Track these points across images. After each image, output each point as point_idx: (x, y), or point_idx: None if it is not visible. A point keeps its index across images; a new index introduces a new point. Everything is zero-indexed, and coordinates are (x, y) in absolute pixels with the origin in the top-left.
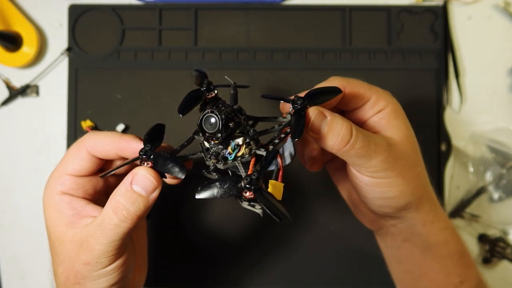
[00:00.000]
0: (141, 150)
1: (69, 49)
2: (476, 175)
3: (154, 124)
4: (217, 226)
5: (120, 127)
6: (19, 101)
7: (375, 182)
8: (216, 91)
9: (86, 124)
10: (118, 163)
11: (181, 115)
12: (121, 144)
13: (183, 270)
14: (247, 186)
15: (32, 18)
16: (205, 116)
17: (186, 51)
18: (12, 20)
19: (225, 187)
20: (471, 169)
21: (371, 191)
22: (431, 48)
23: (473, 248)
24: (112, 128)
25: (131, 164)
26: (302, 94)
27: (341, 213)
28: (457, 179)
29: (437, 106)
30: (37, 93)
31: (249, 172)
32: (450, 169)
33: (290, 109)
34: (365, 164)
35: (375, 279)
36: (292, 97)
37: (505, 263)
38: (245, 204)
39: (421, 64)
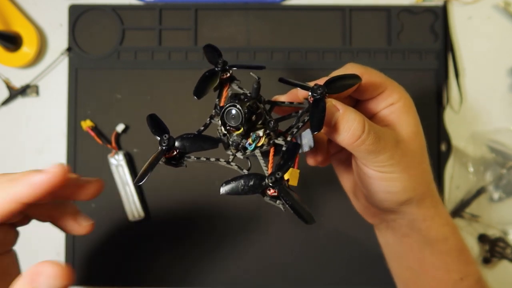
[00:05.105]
0: (161, 143)
1: (69, 49)
2: (476, 175)
3: (147, 117)
4: (215, 226)
5: (120, 127)
6: (19, 101)
7: (379, 176)
8: (231, 71)
9: (86, 124)
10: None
11: (196, 98)
12: (23, 190)
13: (180, 269)
14: (271, 184)
15: (32, 18)
16: (227, 109)
17: (186, 51)
18: (12, 20)
19: (249, 184)
20: (471, 169)
21: (375, 184)
22: (431, 48)
23: (473, 248)
24: (112, 128)
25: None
26: (321, 81)
27: (341, 213)
28: (457, 179)
29: (437, 106)
30: (37, 93)
31: (269, 165)
32: (450, 169)
33: (309, 97)
34: (372, 159)
35: (375, 279)
36: (312, 84)
37: (505, 263)
38: (267, 199)
39: (421, 64)
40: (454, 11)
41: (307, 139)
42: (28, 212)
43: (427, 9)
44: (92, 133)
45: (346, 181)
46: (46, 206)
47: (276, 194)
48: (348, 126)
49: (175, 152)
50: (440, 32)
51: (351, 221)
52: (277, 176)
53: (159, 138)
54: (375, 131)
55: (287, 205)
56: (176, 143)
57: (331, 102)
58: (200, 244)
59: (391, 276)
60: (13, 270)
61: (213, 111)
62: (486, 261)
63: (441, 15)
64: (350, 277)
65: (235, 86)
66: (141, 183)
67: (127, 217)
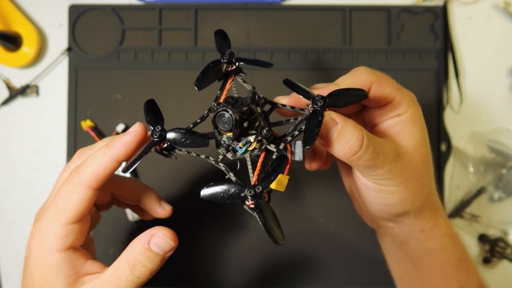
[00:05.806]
0: (153, 134)
1: (69, 49)
2: (476, 175)
3: (145, 102)
4: (215, 225)
5: (120, 127)
6: (19, 101)
7: (376, 187)
8: (237, 64)
9: (86, 124)
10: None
11: (196, 89)
12: (120, 150)
13: (180, 268)
14: (249, 197)
15: (32, 18)
16: (220, 113)
17: (186, 51)
18: (12, 20)
19: (229, 193)
20: (471, 169)
21: (371, 195)
22: (431, 48)
23: (473, 248)
24: (112, 128)
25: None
26: (327, 90)
27: (341, 213)
28: (457, 179)
29: (437, 106)
30: (37, 93)
31: (256, 173)
32: (450, 169)
33: (309, 106)
34: (370, 173)
35: (375, 279)
36: (316, 92)
37: (505, 263)
38: (245, 207)
39: (421, 64)
40: (454, 11)
41: (298, 150)
42: (121, 195)
43: (427, 9)
44: (92, 133)
45: (348, 182)
46: (137, 191)
47: (253, 206)
48: (346, 141)
49: (166, 144)
50: (440, 32)
51: (351, 221)
52: (257, 190)
53: (152, 128)
54: (374, 145)
55: (260, 222)
56: (168, 136)
57: (330, 116)
58: (200, 244)
59: (391, 277)
60: (91, 249)
61: (213, 103)
62: (486, 261)
63: (441, 15)
64: (350, 277)
65: (239, 79)
66: (128, 172)
67: (126, 217)
